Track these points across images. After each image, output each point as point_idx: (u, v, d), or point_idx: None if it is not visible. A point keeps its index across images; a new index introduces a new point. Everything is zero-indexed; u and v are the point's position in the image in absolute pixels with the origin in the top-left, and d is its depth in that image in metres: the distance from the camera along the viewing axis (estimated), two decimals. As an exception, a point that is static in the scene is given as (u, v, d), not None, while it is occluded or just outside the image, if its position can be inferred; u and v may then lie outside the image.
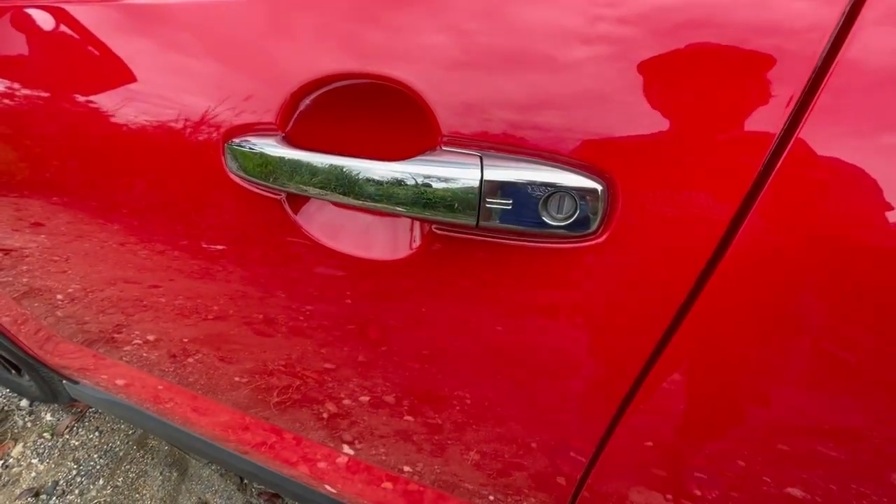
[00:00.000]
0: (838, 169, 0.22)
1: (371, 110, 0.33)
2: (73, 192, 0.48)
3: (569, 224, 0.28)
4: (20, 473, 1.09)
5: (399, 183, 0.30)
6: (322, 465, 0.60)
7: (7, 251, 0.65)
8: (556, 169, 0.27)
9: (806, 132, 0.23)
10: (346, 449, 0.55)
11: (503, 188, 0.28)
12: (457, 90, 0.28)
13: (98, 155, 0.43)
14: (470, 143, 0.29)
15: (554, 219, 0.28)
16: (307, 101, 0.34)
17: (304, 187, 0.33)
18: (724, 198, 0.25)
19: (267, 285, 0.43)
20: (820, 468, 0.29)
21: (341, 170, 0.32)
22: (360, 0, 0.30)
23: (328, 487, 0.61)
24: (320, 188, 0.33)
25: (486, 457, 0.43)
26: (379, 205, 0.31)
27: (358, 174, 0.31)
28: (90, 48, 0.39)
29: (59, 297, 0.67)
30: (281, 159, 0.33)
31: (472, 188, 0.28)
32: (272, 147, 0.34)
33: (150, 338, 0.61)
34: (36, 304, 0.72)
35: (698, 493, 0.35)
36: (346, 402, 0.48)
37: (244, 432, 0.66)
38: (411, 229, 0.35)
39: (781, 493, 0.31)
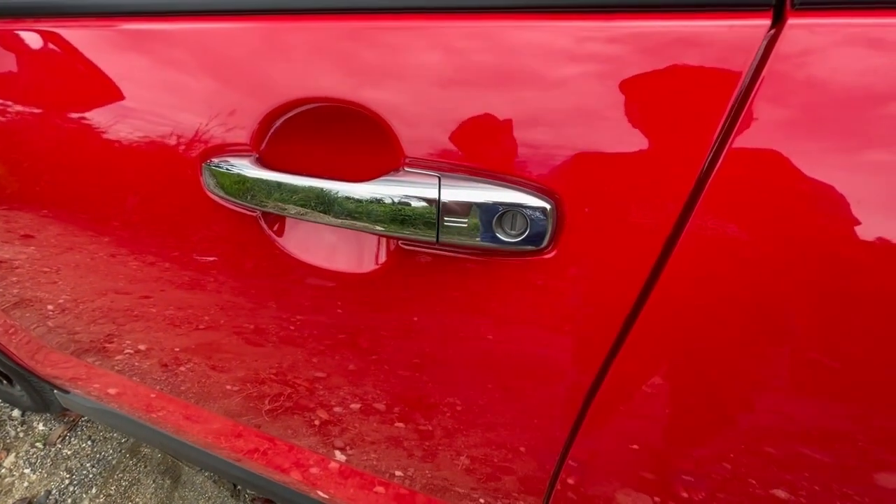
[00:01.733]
0: (770, 174, 0.23)
1: (339, 132, 0.34)
2: (63, 205, 0.48)
3: (521, 240, 0.29)
4: (12, 483, 1.06)
5: (365, 202, 0.31)
6: (314, 470, 0.59)
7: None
8: (508, 189, 0.29)
9: (738, 141, 0.24)
10: (338, 455, 0.55)
11: (459, 207, 0.29)
12: (417, 114, 0.30)
13: (87, 170, 0.43)
14: (430, 164, 0.30)
15: (507, 235, 0.29)
16: (278, 124, 0.34)
17: (280, 205, 0.34)
18: (663, 209, 0.26)
19: (251, 297, 0.43)
20: (778, 466, 0.30)
21: (312, 190, 0.33)
22: (327, 33, 0.31)
23: (320, 493, 0.61)
24: (294, 207, 0.34)
25: (456, 459, 0.43)
26: (347, 222, 0.32)
27: (328, 195, 0.32)
28: (78, 68, 0.39)
29: (50, 307, 0.66)
30: (256, 179, 0.34)
31: (431, 207, 0.29)
32: (247, 168, 0.35)
33: (142, 347, 0.60)
34: (27, 315, 0.71)
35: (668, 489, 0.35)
36: (334, 408, 0.48)
37: (237, 439, 0.65)
38: (379, 245, 0.36)
39: (741, 486, 0.32)
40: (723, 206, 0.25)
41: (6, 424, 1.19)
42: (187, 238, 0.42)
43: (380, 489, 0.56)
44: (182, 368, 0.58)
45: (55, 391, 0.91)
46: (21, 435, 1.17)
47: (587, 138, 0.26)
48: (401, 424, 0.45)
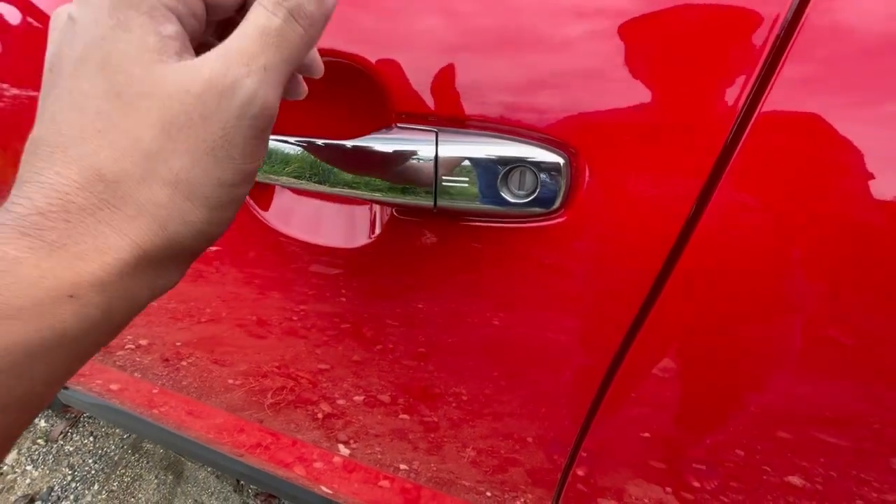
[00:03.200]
0: (804, 141, 0.21)
1: (322, 87, 0.30)
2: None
3: (530, 201, 0.26)
4: (15, 480, 1.04)
5: (351, 162, 0.27)
6: (318, 465, 0.58)
7: None
8: (515, 142, 0.25)
9: (770, 104, 0.21)
10: (342, 449, 0.53)
11: (459, 164, 0.25)
12: (413, 64, 0.26)
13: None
14: (426, 119, 0.27)
15: (515, 195, 0.26)
16: None
17: (271, 174, 0.30)
18: (691, 174, 0.23)
19: (247, 283, 0.41)
20: (805, 455, 0.28)
21: (291, 151, 0.29)
22: None
23: (324, 488, 0.59)
24: (279, 172, 0.29)
25: (462, 451, 0.42)
26: (333, 188, 0.28)
27: (307, 154, 0.28)
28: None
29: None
30: None
31: (427, 166, 0.26)
32: None
33: (143, 342, 0.58)
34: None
35: (693, 482, 0.34)
36: (336, 400, 0.47)
37: (239, 434, 0.64)
38: (372, 215, 0.33)
39: (760, 478, 0.31)
40: (756, 168, 0.22)
41: (8, 421, 1.17)
42: None
43: (384, 483, 0.54)
44: (184, 363, 0.57)
45: (56, 387, 0.89)
46: (23, 432, 1.15)
47: (612, 90, 0.23)
48: (405, 416, 0.44)
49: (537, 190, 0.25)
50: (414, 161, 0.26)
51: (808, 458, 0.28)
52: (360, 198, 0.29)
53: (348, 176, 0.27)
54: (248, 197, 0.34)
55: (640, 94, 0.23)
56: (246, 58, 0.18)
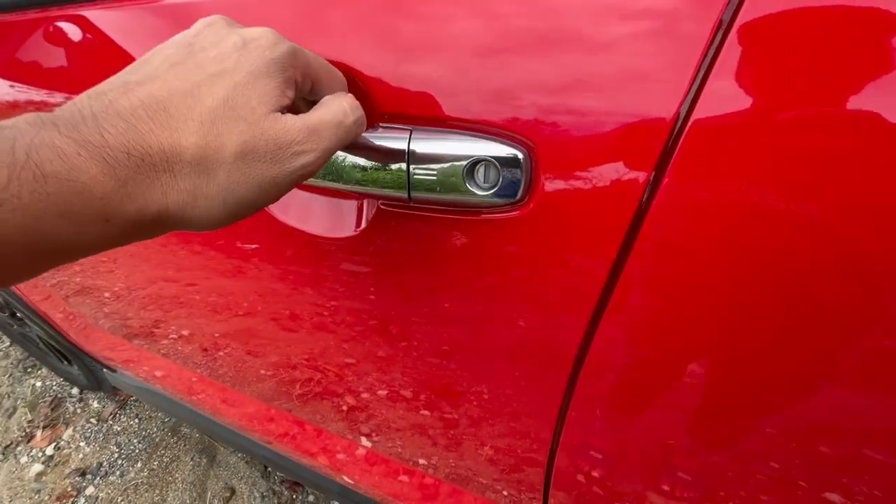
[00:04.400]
0: (748, 126, 0.21)
1: None
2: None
3: (493, 192, 0.27)
4: (69, 455, 1.13)
5: (341, 161, 0.30)
6: (341, 455, 0.60)
7: None
8: (477, 139, 0.27)
9: (712, 87, 0.21)
10: (364, 441, 0.55)
11: (428, 159, 0.28)
12: (391, 68, 0.28)
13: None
14: (405, 119, 0.29)
15: (480, 188, 0.28)
16: None
17: None
18: (642, 157, 0.24)
19: (278, 279, 0.43)
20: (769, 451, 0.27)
21: None
22: None
23: (346, 478, 0.61)
24: None
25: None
26: (324, 183, 0.32)
27: None
28: (109, 53, 0.40)
29: (107, 294, 0.69)
30: None
31: (401, 161, 0.28)
32: None
33: (185, 332, 0.62)
34: (86, 302, 0.75)
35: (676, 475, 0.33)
36: (349, 388, 0.48)
37: (269, 423, 0.67)
38: (360, 206, 0.35)
39: (733, 466, 0.29)
40: (706, 149, 0.22)
41: (66, 401, 1.27)
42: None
43: (404, 477, 0.55)
44: (221, 353, 0.60)
45: (104, 370, 0.96)
46: (78, 411, 1.24)
47: (559, 81, 0.24)
48: (426, 412, 0.45)
49: (500, 182, 0.27)
50: (391, 156, 0.29)
51: (772, 444, 0.27)
52: (350, 192, 0.32)
53: (358, 174, 0.30)
54: None
55: (590, 88, 0.24)
56: (318, 140, 0.23)
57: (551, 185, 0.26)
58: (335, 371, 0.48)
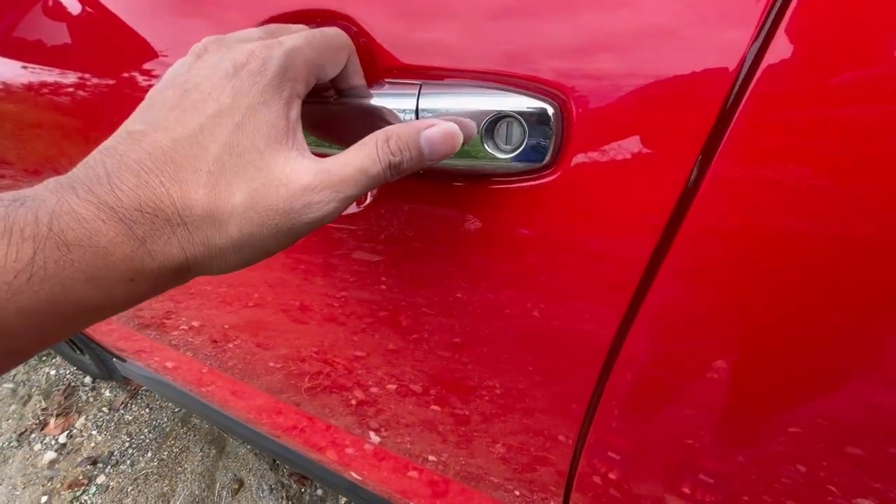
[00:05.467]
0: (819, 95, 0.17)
1: None
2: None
3: (517, 155, 0.23)
4: (81, 443, 1.14)
5: (341, 121, 0.26)
6: (349, 451, 0.59)
7: None
8: (499, 91, 0.23)
9: (777, 52, 0.17)
10: (373, 436, 0.54)
11: (441, 118, 0.24)
12: (397, 18, 0.25)
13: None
14: (413, 73, 0.25)
15: (501, 150, 0.23)
16: None
17: None
18: (695, 123, 0.20)
19: (290, 270, 0.42)
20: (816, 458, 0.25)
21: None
22: None
23: (354, 474, 0.60)
24: None
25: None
26: (319, 150, 0.27)
27: (311, 114, 0.26)
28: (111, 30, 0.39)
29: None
30: None
31: (409, 118, 0.24)
32: None
33: (195, 324, 0.62)
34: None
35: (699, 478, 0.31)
36: (358, 382, 0.47)
37: (277, 416, 0.66)
38: None
39: (772, 475, 0.27)
40: (775, 116, 0.18)
41: (79, 390, 1.28)
42: None
43: (413, 474, 0.54)
44: (230, 345, 0.59)
45: (114, 360, 0.97)
46: (91, 400, 1.25)
47: (601, 20, 0.20)
48: (436, 407, 0.43)
49: (524, 143, 0.23)
50: (396, 116, 0.25)
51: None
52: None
53: (349, 134, 0.26)
54: None
55: (641, 31, 0.20)
56: (339, 187, 0.21)
57: (584, 149, 0.22)
58: (344, 364, 0.47)
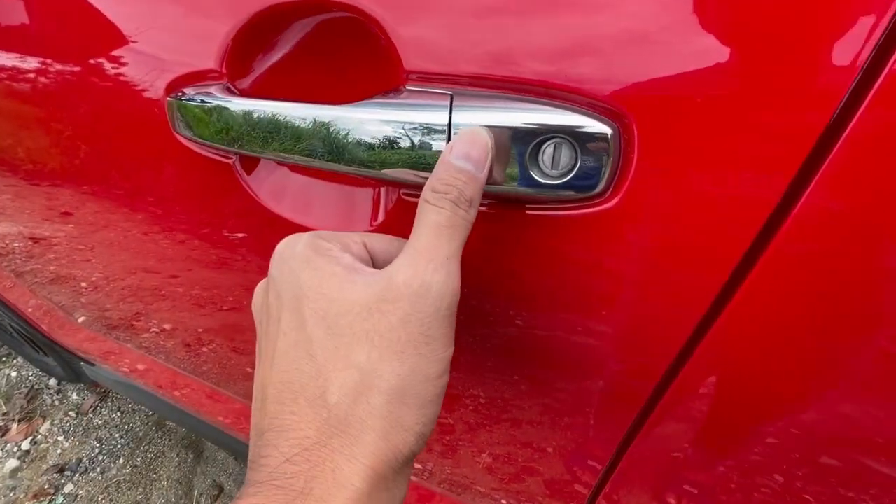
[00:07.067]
0: None
1: (321, 46, 0.26)
2: (99, 178, 0.46)
3: (566, 181, 0.20)
4: (47, 450, 1.08)
5: (350, 132, 0.22)
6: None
7: (37, 240, 0.64)
8: (549, 108, 0.20)
9: None
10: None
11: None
12: (425, 14, 0.21)
13: (115, 141, 0.41)
14: (441, 79, 0.21)
15: (546, 175, 0.21)
16: (249, 41, 0.27)
17: (256, 146, 0.26)
18: (782, 161, 0.17)
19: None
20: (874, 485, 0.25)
21: (279, 118, 0.24)
22: None
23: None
24: (265, 144, 0.25)
25: (477, 457, 0.40)
26: (327, 163, 0.24)
27: (298, 121, 0.24)
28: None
29: (84, 284, 0.65)
30: (225, 112, 0.26)
31: (439, 136, 0.21)
32: (217, 99, 0.27)
33: (167, 326, 0.58)
34: (62, 291, 0.71)
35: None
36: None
37: (256, 421, 0.64)
38: (376, 195, 0.28)
39: None
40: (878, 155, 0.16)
41: (43, 393, 1.21)
42: (224, 212, 0.39)
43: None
44: (204, 349, 0.56)
45: (82, 363, 0.91)
46: (56, 403, 1.19)
47: (671, 35, 0.17)
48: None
49: (575, 168, 0.20)
50: (422, 130, 0.21)
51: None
52: (367, 176, 0.25)
53: (360, 148, 0.23)
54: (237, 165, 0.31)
55: (716, 46, 0.17)
56: (429, 255, 0.19)
57: (647, 176, 0.20)
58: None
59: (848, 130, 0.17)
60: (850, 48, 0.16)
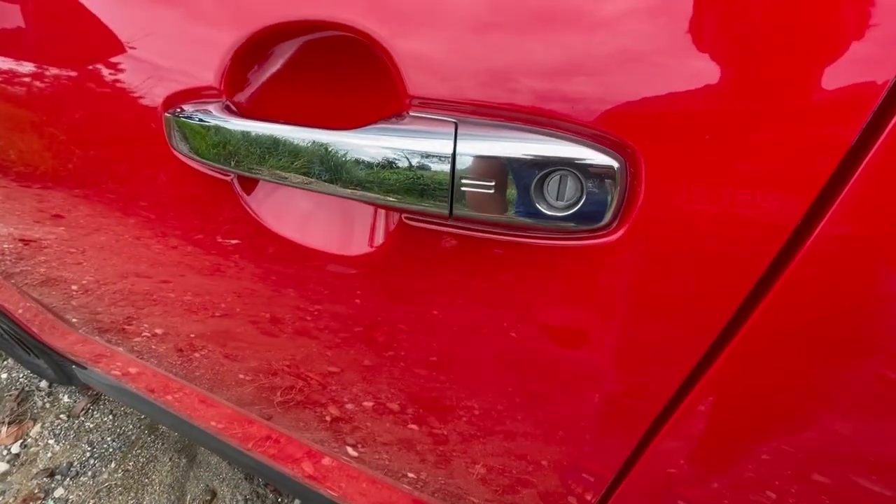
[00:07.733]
0: None
1: (324, 69, 0.25)
2: (92, 183, 0.45)
3: (572, 213, 0.20)
4: (37, 453, 1.07)
5: (352, 158, 0.22)
6: (325, 461, 0.56)
7: (27, 241, 0.63)
8: (555, 139, 0.19)
9: None
10: (350, 451, 0.51)
11: (484, 165, 0.20)
12: (429, 38, 0.21)
13: (109, 147, 0.40)
14: (445, 106, 0.21)
15: (552, 207, 0.20)
16: (249, 59, 0.26)
17: (253, 166, 0.26)
18: (798, 192, 0.17)
19: (260, 283, 0.39)
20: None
21: (280, 141, 0.24)
22: None
23: (330, 491, 0.58)
24: (263, 164, 0.25)
25: (471, 468, 0.40)
26: (329, 186, 0.24)
27: (302, 146, 0.23)
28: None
29: (74, 287, 0.64)
30: (222, 131, 0.26)
31: (443, 165, 0.21)
32: (215, 118, 0.27)
33: (158, 331, 0.57)
34: (53, 294, 0.70)
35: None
36: (333, 398, 0.45)
37: (249, 426, 0.63)
38: (375, 219, 0.28)
39: None
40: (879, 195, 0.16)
41: (34, 395, 1.20)
42: (220, 220, 0.39)
43: (389, 490, 0.52)
44: (196, 354, 0.55)
45: (73, 367, 0.90)
46: (47, 406, 1.17)
47: (676, 65, 0.17)
48: (414, 426, 0.41)
49: (581, 200, 0.20)
50: (426, 158, 0.21)
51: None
52: (369, 201, 0.24)
53: (362, 173, 0.22)
54: (235, 184, 0.31)
55: (723, 75, 0.17)
56: None
57: (653, 209, 0.19)
58: (318, 379, 0.44)
59: (869, 156, 0.16)
60: (862, 72, 0.16)
